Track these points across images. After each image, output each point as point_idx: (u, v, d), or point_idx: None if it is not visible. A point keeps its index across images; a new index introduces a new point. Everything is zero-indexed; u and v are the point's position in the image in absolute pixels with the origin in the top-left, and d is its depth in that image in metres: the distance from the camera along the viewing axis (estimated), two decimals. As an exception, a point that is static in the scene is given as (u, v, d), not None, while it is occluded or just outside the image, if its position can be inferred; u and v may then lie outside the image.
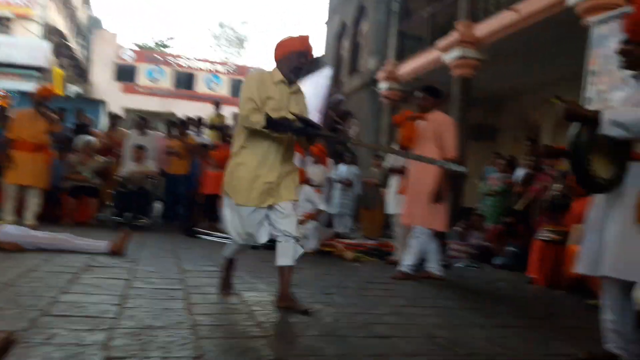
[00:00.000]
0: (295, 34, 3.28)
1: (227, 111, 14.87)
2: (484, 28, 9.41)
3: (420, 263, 4.94)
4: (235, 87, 27.92)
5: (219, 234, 6.71)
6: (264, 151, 3.10)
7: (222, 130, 9.84)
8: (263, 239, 3.22)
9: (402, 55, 12.79)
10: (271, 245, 6.32)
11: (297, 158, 7.74)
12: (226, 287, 3.44)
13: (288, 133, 3.07)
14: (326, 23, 18.75)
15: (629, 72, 2.56)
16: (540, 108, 12.12)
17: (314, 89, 16.53)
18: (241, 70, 28.69)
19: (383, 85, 13.04)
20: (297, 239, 3.13)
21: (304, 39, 3.23)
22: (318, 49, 19.64)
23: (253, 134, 3.09)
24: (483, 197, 7.95)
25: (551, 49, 8.94)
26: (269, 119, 2.97)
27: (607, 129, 2.25)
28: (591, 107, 5.71)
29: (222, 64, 30.35)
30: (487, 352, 2.61)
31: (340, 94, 15.74)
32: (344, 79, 16.32)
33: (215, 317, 2.88)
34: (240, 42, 39.94)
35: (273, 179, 3.10)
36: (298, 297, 3.18)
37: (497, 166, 7.81)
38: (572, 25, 6.99)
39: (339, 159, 9.75)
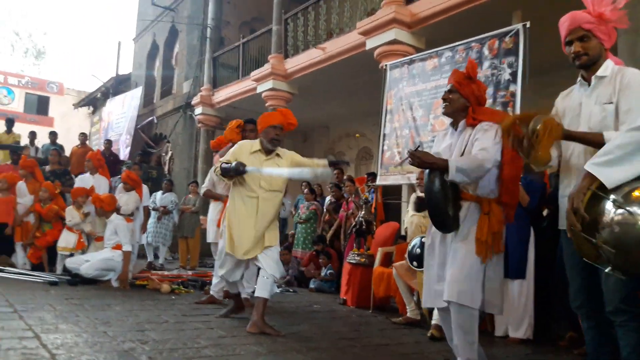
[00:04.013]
0: (274, 111, 3.94)
1: (22, 129, 13.28)
2: (294, 62, 9.91)
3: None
4: (31, 102, 24.85)
5: (10, 269, 5.95)
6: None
7: (13, 150, 8.76)
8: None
9: (217, 81, 12.83)
10: (73, 281, 5.75)
11: (105, 183, 7.24)
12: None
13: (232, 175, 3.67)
14: (134, 40, 17.86)
15: (447, 120, 2.93)
16: (346, 140, 13.16)
17: (123, 109, 15.65)
18: (41, 84, 25.62)
19: (198, 110, 12.88)
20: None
21: (279, 115, 3.88)
22: (126, 67, 18.59)
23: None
24: (295, 225, 8.26)
25: (355, 86, 9.79)
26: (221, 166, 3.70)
27: (453, 176, 2.52)
28: (387, 142, 6.48)
29: (17, 76, 26.44)
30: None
31: (153, 116, 15.10)
32: (156, 101, 15.72)
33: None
34: (39, 53, 35.91)
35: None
36: (108, 335, 2.91)
37: (305, 195, 8.23)
38: (372, 67, 7.76)
39: (154, 185, 9.32)
